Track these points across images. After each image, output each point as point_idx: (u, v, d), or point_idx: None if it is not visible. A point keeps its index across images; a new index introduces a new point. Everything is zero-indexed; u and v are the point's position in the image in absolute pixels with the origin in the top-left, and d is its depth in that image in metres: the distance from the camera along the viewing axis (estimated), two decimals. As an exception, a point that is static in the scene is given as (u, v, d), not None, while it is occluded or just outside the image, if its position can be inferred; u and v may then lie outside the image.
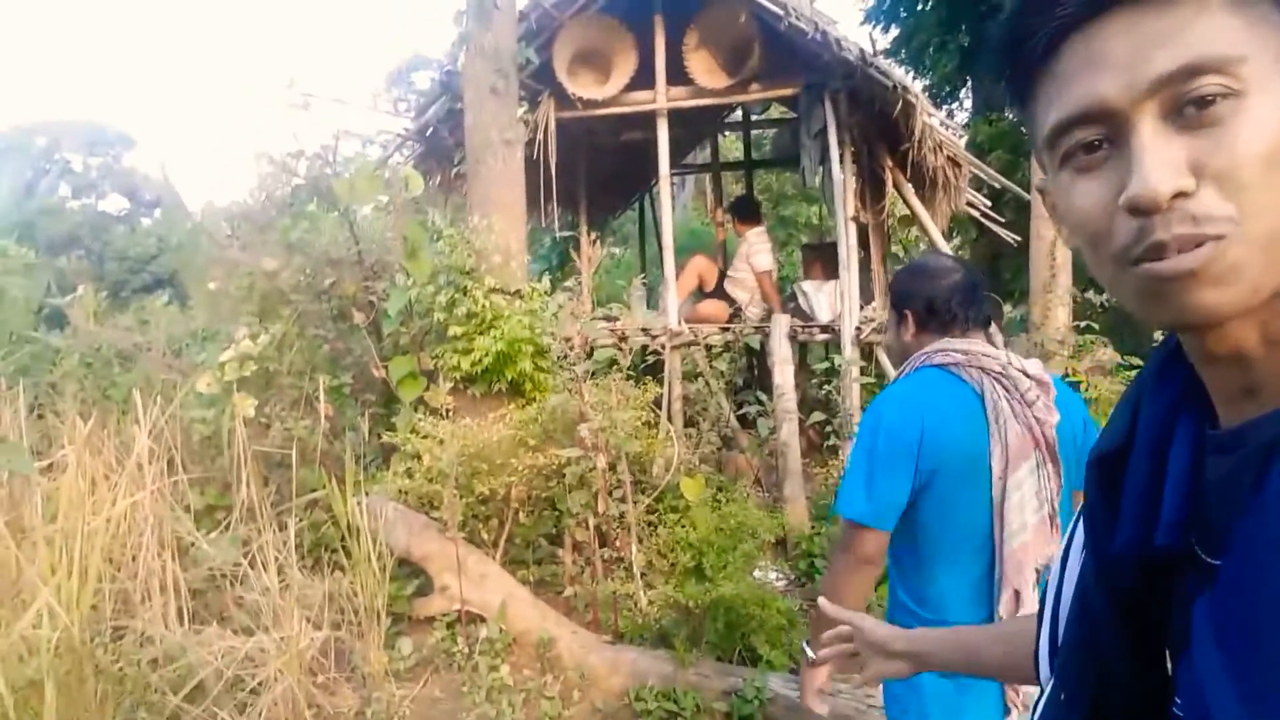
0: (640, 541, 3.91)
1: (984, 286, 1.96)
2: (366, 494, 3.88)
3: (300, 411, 4.63)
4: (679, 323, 5.59)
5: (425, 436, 3.92)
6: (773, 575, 4.35)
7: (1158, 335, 7.44)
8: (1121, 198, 0.55)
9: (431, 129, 6.41)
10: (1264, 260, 0.53)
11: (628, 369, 4.30)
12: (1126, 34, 0.57)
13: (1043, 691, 0.78)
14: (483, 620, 3.68)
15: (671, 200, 6.41)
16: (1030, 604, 1.76)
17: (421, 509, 3.91)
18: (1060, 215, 0.65)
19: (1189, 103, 0.54)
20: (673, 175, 7.12)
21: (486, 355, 4.44)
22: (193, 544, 3.69)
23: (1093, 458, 0.68)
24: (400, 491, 3.87)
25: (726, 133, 10.22)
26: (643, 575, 3.80)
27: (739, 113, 8.70)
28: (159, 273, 17.89)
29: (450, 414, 4.27)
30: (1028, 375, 1.83)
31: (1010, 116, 12.94)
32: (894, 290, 2.01)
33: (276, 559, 3.50)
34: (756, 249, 6.16)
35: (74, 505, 3.10)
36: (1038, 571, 1.78)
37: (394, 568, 3.73)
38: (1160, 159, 0.54)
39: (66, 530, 2.93)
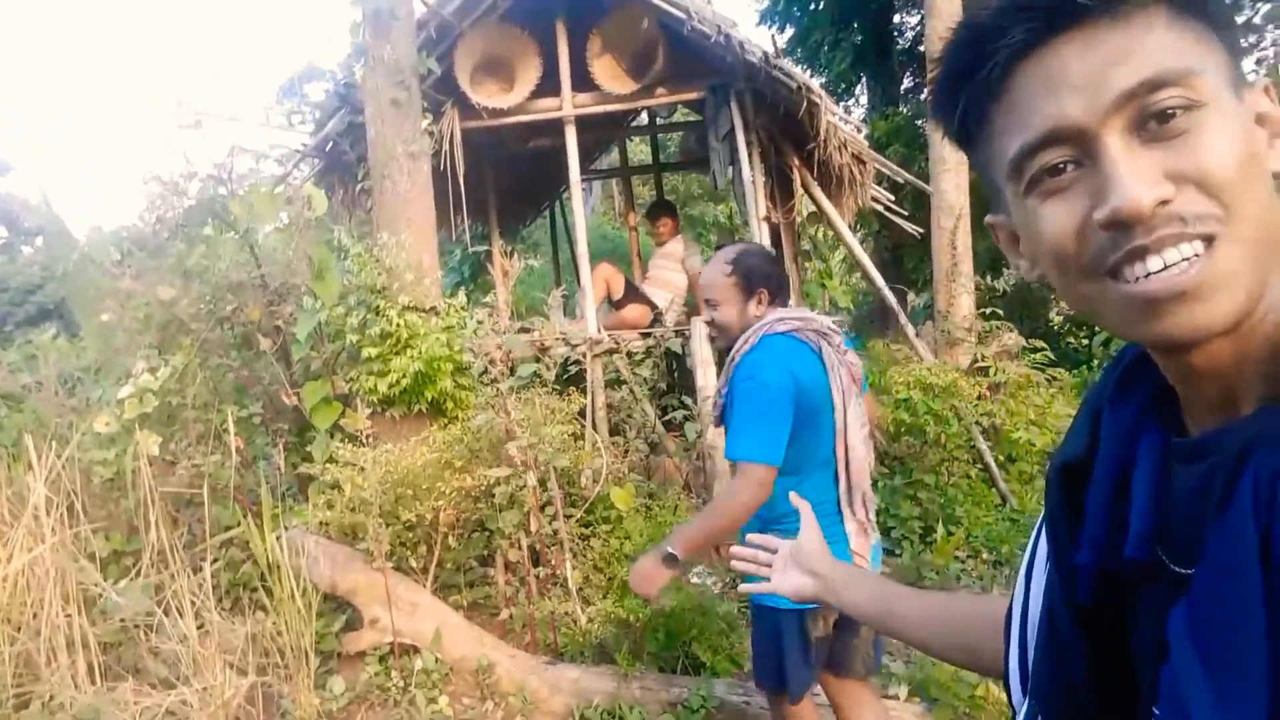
0: (575, 557, 3.85)
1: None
2: (286, 528, 3.72)
3: (208, 446, 4.42)
4: (599, 330, 5.54)
5: (345, 464, 3.78)
6: (710, 580, 4.34)
7: (1054, 317, 7.68)
8: (1098, 213, 0.55)
9: (331, 143, 6.21)
10: (1252, 264, 0.54)
11: (552, 382, 4.22)
12: (1082, 54, 0.57)
13: (1014, 715, 0.76)
14: (417, 651, 3.57)
15: (582, 206, 6.36)
16: (870, 505, 2.38)
17: (345, 540, 3.76)
18: (1024, 246, 0.65)
19: (1151, 116, 0.55)
20: (582, 181, 7.07)
21: (404, 376, 4.32)
22: (100, 595, 3.47)
23: (1055, 465, 0.68)
24: (321, 524, 3.72)
25: (633, 137, 10.23)
26: (580, 591, 3.74)
27: (644, 116, 8.71)
28: (45, 303, 16.96)
29: (370, 439, 4.13)
30: (834, 332, 2.39)
31: (904, 111, 13.35)
32: (747, 271, 2.39)
33: (193, 604, 3.33)
34: (691, 252, 6.20)
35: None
36: (871, 477, 2.41)
37: (319, 603, 3.58)
38: (1135, 170, 0.54)
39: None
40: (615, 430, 5.13)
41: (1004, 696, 2.64)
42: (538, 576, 3.78)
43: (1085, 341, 13.65)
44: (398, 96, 5.00)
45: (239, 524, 3.87)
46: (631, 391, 5.16)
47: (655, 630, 3.52)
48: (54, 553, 3.35)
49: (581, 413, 4.80)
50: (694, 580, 4.04)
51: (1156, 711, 0.57)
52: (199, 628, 3.30)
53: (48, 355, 6.67)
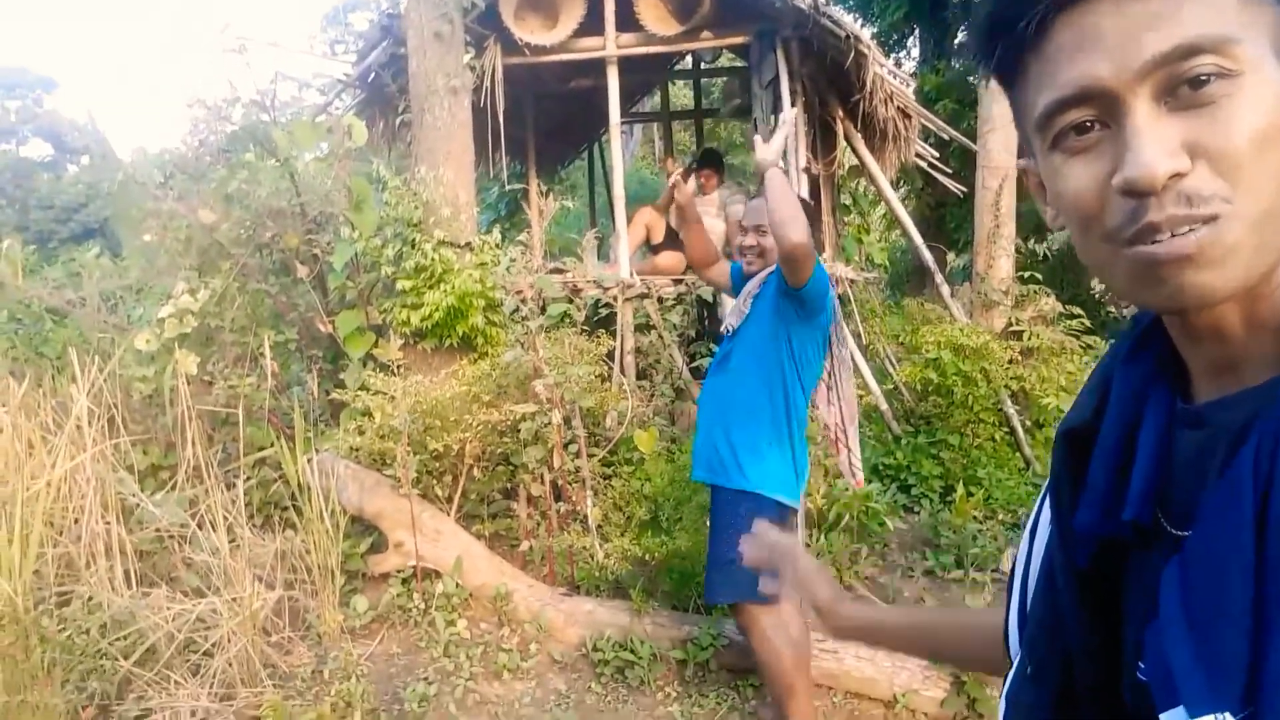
0: (596, 495, 3.92)
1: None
2: (317, 451, 3.83)
3: (244, 368, 4.52)
4: (631, 275, 5.56)
5: (376, 393, 3.86)
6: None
7: (1096, 284, 7.52)
8: (1116, 179, 0.56)
9: (373, 75, 6.21)
10: (1257, 240, 0.54)
11: (581, 323, 4.26)
12: (1118, 14, 0.56)
13: (1012, 664, 0.79)
14: (438, 576, 3.68)
15: (621, 149, 6.32)
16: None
17: (374, 466, 3.87)
18: (1050, 197, 0.65)
19: (1183, 83, 0.55)
20: (622, 124, 7.02)
21: (437, 310, 4.37)
22: (138, 505, 3.60)
23: (1061, 431, 0.69)
24: (351, 449, 3.82)
25: (676, 81, 10.09)
26: (599, 528, 3.82)
27: (689, 61, 8.59)
28: (88, 222, 17.24)
29: (401, 370, 4.21)
30: None
31: (956, 66, 13.01)
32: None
33: (225, 519, 3.44)
34: (733, 200, 6.16)
35: (11, 470, 2.99)
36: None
37: (346, 526, 3.70)
38: (1155, 140, 0.54)
39: (5, 496, 2.84)
40: (642, 375, 5.17)
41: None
42: (558, 511, 3.87)
43: (1126, 311, 13.46)
44: (440, 29, 4.98)
45: (272, 445, 3.98)
46: (660, 337, 5.18)
47: (670, 570, 3.60)
48: (95, 463, 3.48)
49: (610, 355, 4.84)
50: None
51: (1142, 665, 0.58)
52: (230, 542, 3.43)
53: (91, 273, 6.83)
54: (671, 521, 3.58)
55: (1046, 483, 0.75)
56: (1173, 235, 0.54)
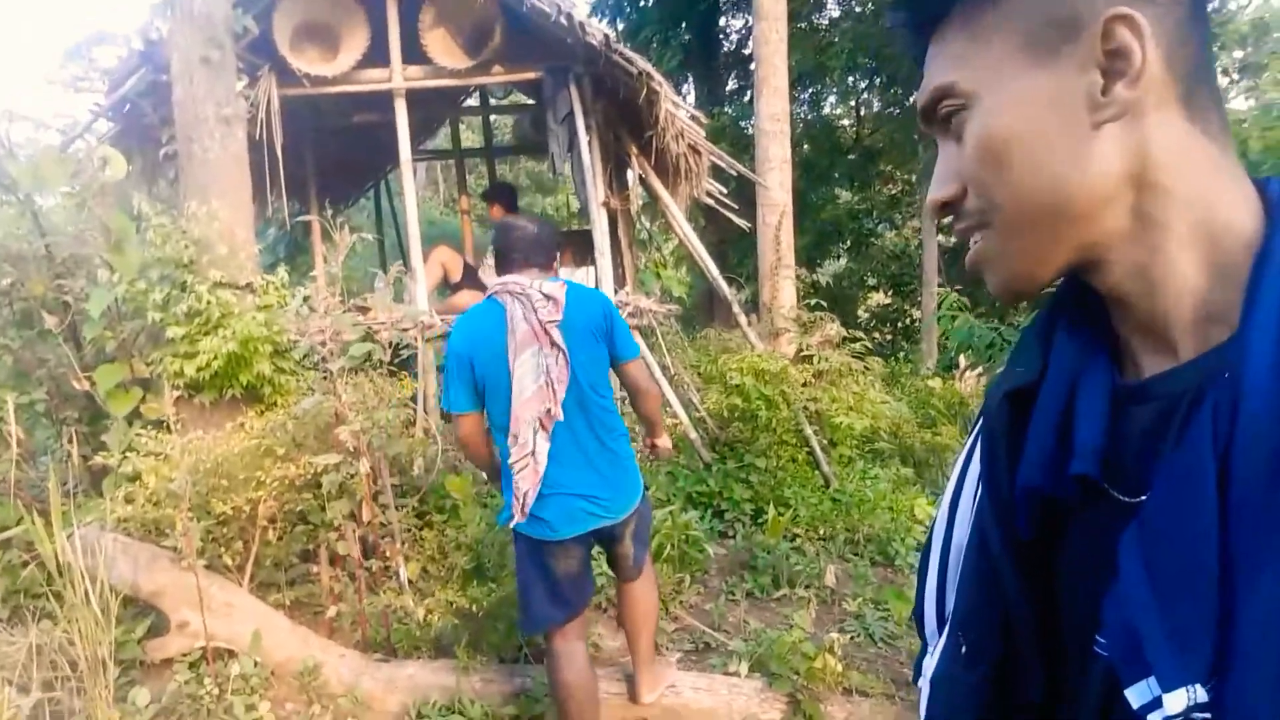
0: (409, 548, 3.65)
1: (547, 239, 2.89)
2: (78, 526, 3.31)
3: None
4: (431, 314, 5.32)
5: (148, 454, 3.41)
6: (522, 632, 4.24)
7: (862, 313, 8.04)
8: None
9: (129, 105, 5.63)
10: (1016, 246, 0.62)
11: (384, 363, 3.99)
12: (930, 59, 0.67)
13: (925, 648, 0.78)
14: (233, 655, 3.27)
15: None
16: (524, 444, 2.66)
17: (148, 538, 3.40)
18: None
19: (941, 121, 0.65)
20: (413, 161, 6.78)
21: (215, 358, 3.95)
22: None
23: (999, 390, 0.68)
24: (120, 520, 3.34)
25: (464, 119, 9.93)
26: (413, 584, 3.55)
27: (477, 98, 8.47)
28: None
29: (177, 426, 3.75)
30: (543, 294, 2.70)
31: (730, 111, 13.72)
32: (556, 243, 2.95)
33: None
34: None
35: None
36: (539, 420, 2.67)
37: (118, 609, 3.21)
38: (938, 172, 0.66)
39: None
40: (448, 416, 4.92)
41: (838, 668, 2.73)
42: (369, 570, 3.56)
43: (889, 336, 14.60)
44: (209, 54, 4.59)
45: (19, 523, 3.41)
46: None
47: (495, 620, 3.40)
48: None
49: (413, 399, 4.58)
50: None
51: (1101, 639, 0.57)
52: (-32, 641, 2.88)
53: None
54: (496, 568, 3.38)
55: (963, 454, 0.76)
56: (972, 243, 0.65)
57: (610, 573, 3.17)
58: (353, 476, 3.38)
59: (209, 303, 4.04)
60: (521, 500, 2.67)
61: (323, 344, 3.57)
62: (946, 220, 0.67)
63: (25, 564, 3.37)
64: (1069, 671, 0.62)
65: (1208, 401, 0.54)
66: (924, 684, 0.76)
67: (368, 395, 3.55)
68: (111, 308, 4.18)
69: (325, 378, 3.60)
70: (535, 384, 2.66)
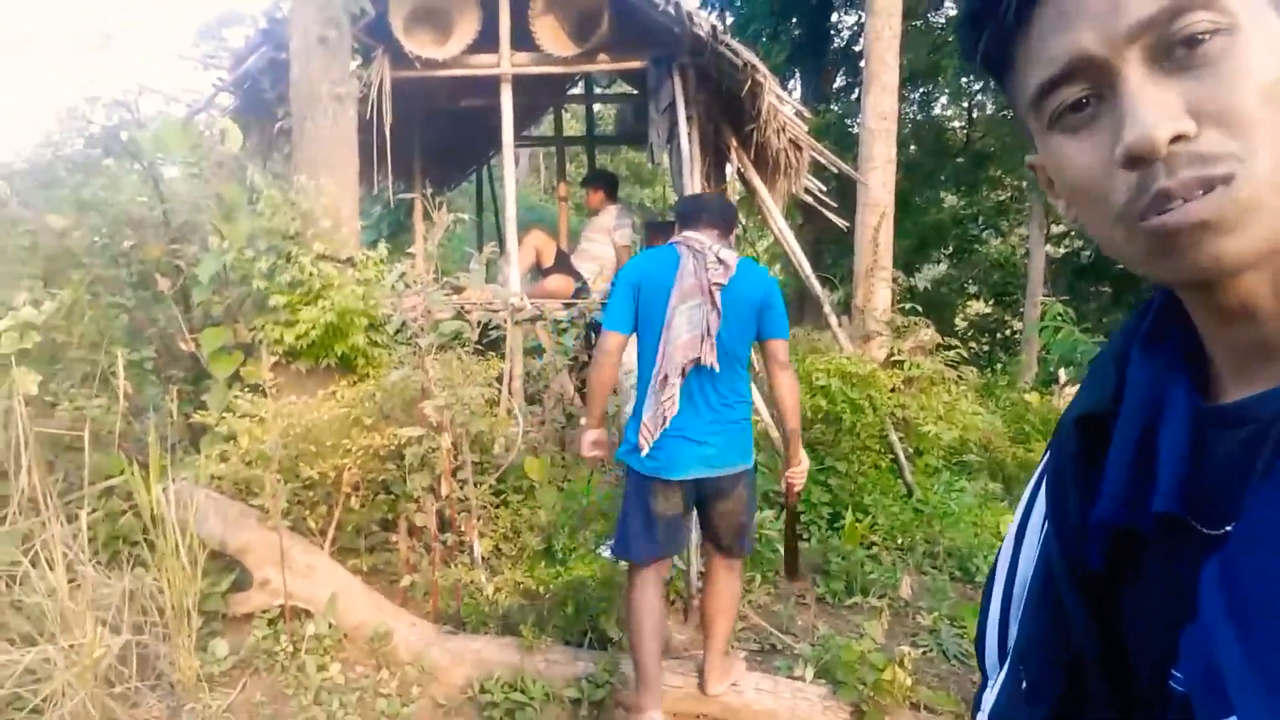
0: (484, 525, 3.71)
1: (731, 212, 3.27)
2: (174, 480, 3.47)
3: (93, 389, 4.10)
4: (521, 297, 5.38)
5: (244, 416, 3.55)
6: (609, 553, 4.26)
7: (959, 321, 7.77)
8: (1117, 150, 0.53)
9: (250, 82, 5.86)
10: (1277, 200, 0.51)
11: (473, 342, 4.06)
12: None
13: (985, 681, 0.74)
14: (309, 615, 3.38)
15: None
16: (670, 391, 2.92)
17: (238, 496, 3.54)
18: (1056, 185, 0.62)
19: (1178, 44, 0.52)
20: (514, 147, 6.87)
21: (314, 327, 4.08)
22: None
23: (1071, 416, 0.65)
24: (213, 477, 3.48)
25: (568, 107, 10.01)
26: (487, 560, 3.61)
27: (581, 87, 8.53)
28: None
29: (273, 391, 3.89)
30: (718, 258, 2.97)
31: (835, 109, 13.48)
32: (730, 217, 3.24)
33: (65, 555, 3.07)
34: (620, 224, 6.05)
35: None
36: (683, 367, 2.93)
37: (206, 562, 3.35)
38: (1153, 103, 0.52)
39: None
40: (532, 400, 4.99)
41: (907, 682, 2.65)
42: (444, 543, 3.63)
43: (986, 347, 14.13)
44: (326, 33, 4.73)
45: (122, 473, 3.60)
46: (552, 361, 5.02)
47: (563, 603, 3.42)
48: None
49: (499, 379, 4.64)
50: (603, 553, 3.94)
51: (1177, 674, 0.54)
52: (71, 581, 3.05)
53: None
54: (566, 551, 3.40)
55: (1033, 481, 0.73)
56: (1185, 201, 0.51)
57: (679, 566, 3.18)
58: (434, 450, 3.44)
59: (311, 274, 4.17)
60: (650, 430, 2.92)
61: (415, 320, 3.64)
62: (1184, 166, 0.52)
63: (124, 512, 3.55)
64: (1140, 707, 0.59)
65: None
66: (982, 719, 0.73)
67: (454, 372, 3.61)
68: (220, 274, 4.36)
69: (415, 353, 3.67)
70: (690, 333, 2.93)
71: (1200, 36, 0.51)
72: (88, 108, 4.92)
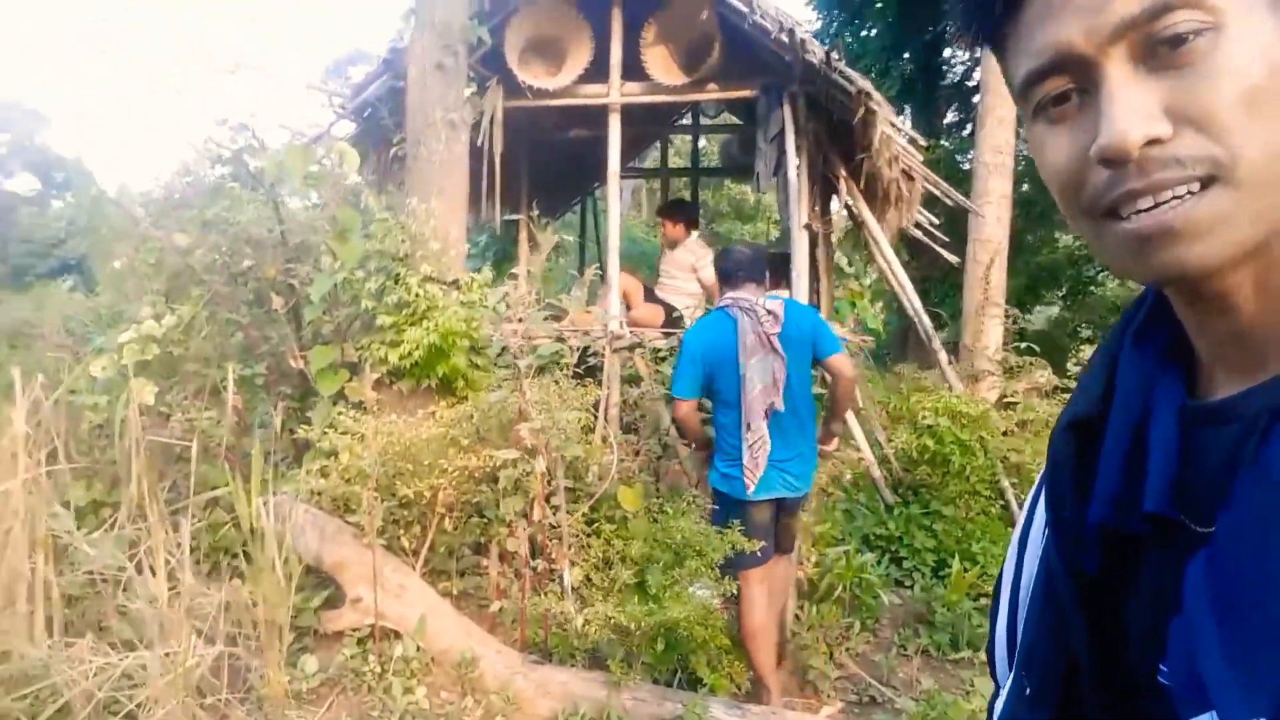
0: (575, 554, 3.62)
1: (761, 260, 3.75)
2: (275, 493, 3.52)
3: (205, 401, 4.22)
4: (621, 324, 5.33)
5: (345, 432, 3.57)
6: (704, 593, 4.11)
7: (1071, 367, 7.40)
8: (1092, 148, 0.53)
9: (369, 110, 6.04)
10: (1252, 207, 0.51)
11: (571, 367, 4.02)
12: None
13: (998, 689, 0.75)
14: (398, 637, 3.35)
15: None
16: (757, 430, 3.41)
17: (336, 512, 3.56)
18: (1039, 171, 0.62)
19: (1161, 43, 0.52)
20: (620, 177, 6.88)
21: (417, 348, 4.11)
22: (71, 545, 3.27)
23: (1067, 422, 0.65)
24: (313, 492, 3.51)
25: (674, 139, 10.03)
26: (576, 590, 3.52)
27: (689, 118, 8.52)
28: (67, 257, 16.92)
29: (375, 409, 3.92)
30: (767, 310, 3.45)
31: (947, 145, 13.14)
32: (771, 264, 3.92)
33: (167, 563, 3.12)
34: (704, 260, 5.92)
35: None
36: (764, 411, 3.40)
37: (300, 577, 3.37)
38: (1130, 105, 0.52)
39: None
40: (628, 428, 4.91)
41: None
42: (534, 570, 3.56)
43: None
44: (444, 60, 4.83)
45: (226, 485, 3.66)
46: (648, 390, 4.93)
47: (653, 639, 3.29)
48: (27, 494, 3.15)
49: (595, 406, 4.58)
50: (697, 593, 3.80)
51: (1164, 668, 0.55)
52: (171, 589, 3.10)
53: (55, 303, 6.52)
54: (659, 587, 3.29)
55: (1034, 489, 0.73)
56: (1156, 205, 0.52)
57: None
58: (528, 475, 3.38)
59: (417, 295, 4.21)
60: (753, 470, 3.39)
61: (514, 342, 3.62)
62: (1154, 168, 0.52)
63: (226, 524, 3.61)
64: (1135, 703, 0.59)
65: None
66: None
67: (551, 396, 3.56)
68: (331, 293, 4.45)
69: (514, 374, 3.65)
70: (762, 383, 3.39)
71: (1184, 36, 0.51)
72: (217, 133, 5.14)
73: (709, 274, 5.78)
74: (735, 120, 8.08)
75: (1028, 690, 0.66)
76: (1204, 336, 0.60)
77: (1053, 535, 0.65)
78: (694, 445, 4.05)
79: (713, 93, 5.82)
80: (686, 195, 9.77)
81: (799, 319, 3.51)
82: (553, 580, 3.56)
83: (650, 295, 6.12)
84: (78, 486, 3.72)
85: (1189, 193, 0.51)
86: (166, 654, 2.85)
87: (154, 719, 2.66)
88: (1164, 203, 0.52)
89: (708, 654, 3.35)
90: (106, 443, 4.02)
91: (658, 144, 9.41)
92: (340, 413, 3.82)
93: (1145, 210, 0.52)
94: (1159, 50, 0.52)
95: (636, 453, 4.22)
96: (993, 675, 0.76)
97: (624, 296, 5.89)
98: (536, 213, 5.40)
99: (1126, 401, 0.61)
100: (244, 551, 3.30)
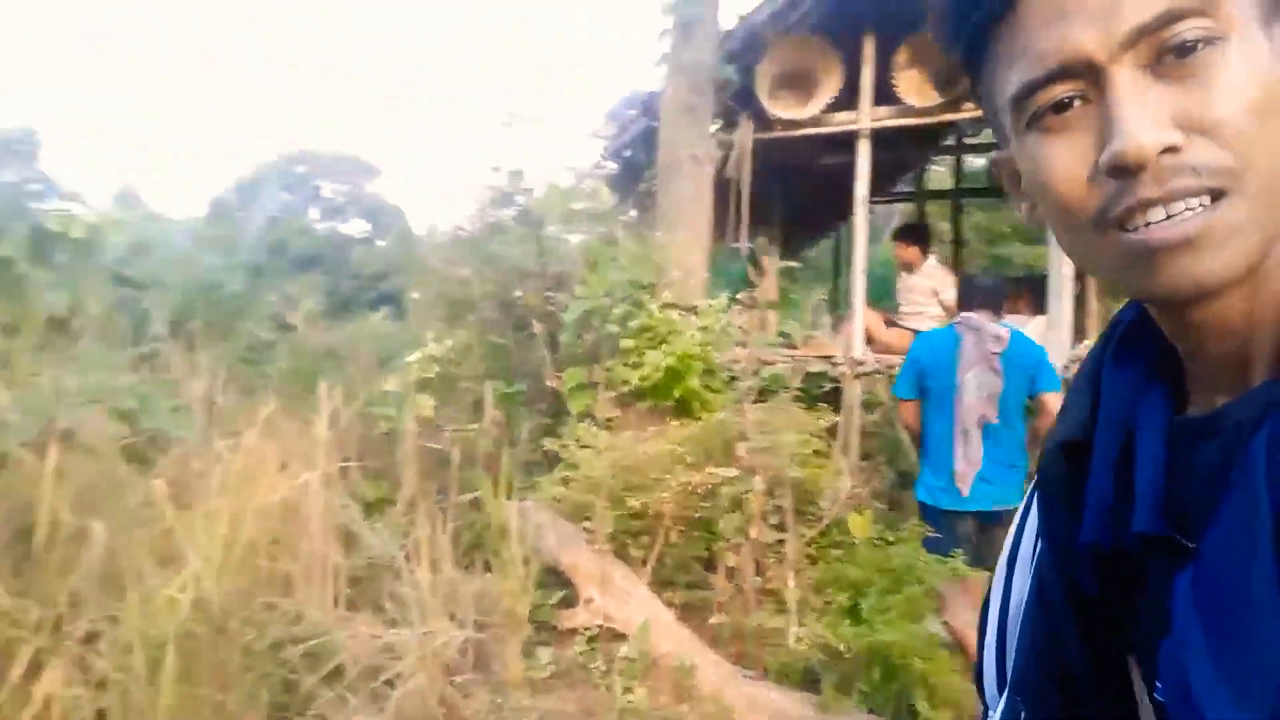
0: (797, 574, 3.64)
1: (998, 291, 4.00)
2: (524, 499, 3.87)
3: (472, 415, 4.73)
4: (863, 351, 5.25)
5: (584, 447, 3.87)
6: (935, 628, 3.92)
7: None
8: (1103, 157, 0.52)
9: (630, 150, 6.46)
10: (1262, 217, 0.51)
11: (805, 391, 4.08)
12: None
13: (986, 712, 0.74)
14: (624, 638, 3.54)
15: (870, 229, 6.08)
16: (969, 437, 3.66)
17: (573, 519, 3.85)
18: (1025, 186, 0.60)
19: (1169, 50, 0.51)
20: (874, 203, 6.79)
21: (656, 370, 4.35)
22: (357, 533, 3.81)
23: (1058, 442, 0.64)
24: (555, 499, 3.82)
25: (936, 163, 9.68)
26: (795, 610, 3.53)
27: (950, 141, 8.23)
28: (387, 290, 19.33)
29: (613, 425, 4.20)
30: (993, 334, 3.69)
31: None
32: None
33: (432, 555, 3.54)
34: (945, 284, 5.68)
35: (243, 482, 3.26)
36: (977, 421, 3.64)
37: (542, 576, 3.68)
38: (1143, 112, 0.51)
39: (234, 507, 3.08)
40: (866, 456, 4.83)
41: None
42: (755, 587, 3.62)
43: None
44: (693, 101, 5.11)
45: (483, 489, 4.08)
46: (889, 417, 4.83)
47: (869, 666, 3.23)
48: (324, 487, 3.72)
49: (832, 432, 4.56)
50: (931, 628, 3.67)
51: (1159, 685, 0.54)
52: (433, 577, 3.51)
53: (366, 329, 7.56)
54: (874, 613, 3.22)
55: (1022, 508, 0.73)
56: (1168, 217, 0.50)
57: None
58: (747, 493, 3.47)
59: (657, 320, 4.46)
60: (963, 478, 3.63)
61: (742, 366, 3.74)
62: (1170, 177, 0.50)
63: (486, 525, 4.02)
64: None
65: (1264, 430, 0.49)
66: None
67: (775, 418, 3.62)
68: (582, 319, 4.82)
69: (740, 398, 3.76)
70: (978, 395, 3.65)
71: (1192, 44, 0.50)
72: (498, 179, 5.77)
73: (950, 297, 5.55)
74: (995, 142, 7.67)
75: (1023, 715, 0.65)
76: (1193, 350, 0.58)
77: (1051, 559, 0.64)
78: (912, 442, 4.33)
79: (967, 112, 5.61)
80: (940, 221, 9.38)
81: (1024, 349, 3.77)
82: (770, 598, 3.60)
83: (890, 324, 5.97)
84: (367, 484, 4.31)
85: (1201, 205, 0.50)
86: (424, 633, 3.23)
87: (408, 687, 3.04)
88: (1176, 214, 0.50)
89: (928, 687, 3.22)
90: (393, 448, 4.61)
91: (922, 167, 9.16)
92: (584, 428, 4.14)
93: (1157, 222, 0.51)
94: (1166, 58, 0.51)
95: (868, 480, 4.16)
96: (980, 697, 0.75)
97: (868, 333, 5.79)
98: (764, 240, 5.49)
99: (1111, 420, 0.60)
100: (493, 549, 3.67)
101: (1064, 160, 0.54)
